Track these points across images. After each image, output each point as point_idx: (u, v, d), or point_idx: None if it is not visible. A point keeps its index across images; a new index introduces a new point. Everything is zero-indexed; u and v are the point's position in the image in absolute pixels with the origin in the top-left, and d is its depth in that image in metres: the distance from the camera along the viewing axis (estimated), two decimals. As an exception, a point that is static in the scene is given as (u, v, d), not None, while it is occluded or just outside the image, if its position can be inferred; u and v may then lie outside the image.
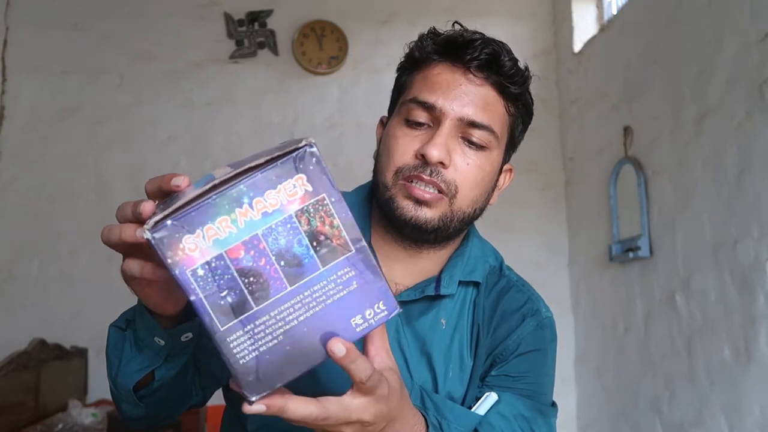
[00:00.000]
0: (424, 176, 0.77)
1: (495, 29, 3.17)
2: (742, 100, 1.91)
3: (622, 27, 2.70)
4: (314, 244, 0.50)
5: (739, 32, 1.93)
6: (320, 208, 0.49)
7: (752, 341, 1.85)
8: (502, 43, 0.82)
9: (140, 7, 3.11)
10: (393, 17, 3.20)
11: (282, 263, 0.50)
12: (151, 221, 0.47)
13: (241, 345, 0.50)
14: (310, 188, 0.49)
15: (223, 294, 0.49)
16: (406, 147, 0.79)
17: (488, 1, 3.28)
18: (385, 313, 0.52)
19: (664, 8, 2.34)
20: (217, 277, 0.49)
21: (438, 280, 0.83)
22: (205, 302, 0.49)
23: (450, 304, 0.84)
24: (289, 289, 0.50)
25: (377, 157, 0.85)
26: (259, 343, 0.51)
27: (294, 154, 0.49)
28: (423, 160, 0.77)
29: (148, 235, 0.47)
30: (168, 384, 0.74)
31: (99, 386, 2.77)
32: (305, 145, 0.48)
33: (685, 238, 2.19)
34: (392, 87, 0.90)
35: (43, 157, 2.98)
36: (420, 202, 0.78)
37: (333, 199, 0.49)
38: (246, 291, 0.49)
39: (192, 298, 0.48)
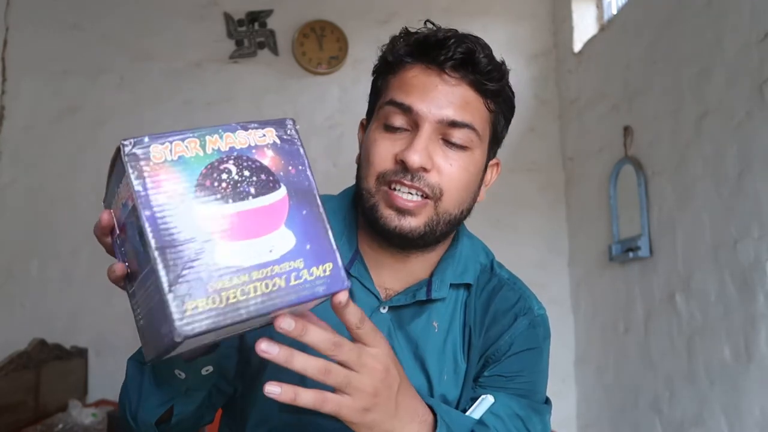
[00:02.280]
0: (405, 182, 0.75)
1: (495, 29, 3.20)
2: (742, 100, 1.91)
3: (622, 27, 2.70)
4: (142, 241, 0.49)
5: (739, 32, 1.92)
6: (135, 211, 0.49)
7: (752, 341, 1.85)
8: (476, 38, 0.79)
9: (140, 7, 3.11)
10: (393, 17, 3.20)
11: (133, 252, 0.52)
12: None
13: (135, 308, 0.56)
14: (128, 191, 0.50)
15: (126, 264, 0.56)
16: (385, 152, 0.77)
17: (488, 1, 3.27)
18: (167, 341, 0.49)
19: (664, 8, 2.34)
20: (122, 251, 0.56)
21: (429, 283, 0.82)
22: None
23: (442, 307, 0.83)
24: (140, 277, 0.53)
25: (359, 162, 0.83)
26: (139, 314, 0.55)
27: (121, 156, 0.50)
28: (403, 165, 0.75)
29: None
30: (188, 417, 0.74)
31: (99, 386, 2.77)
32: (120, 149, 0.49)
33: (685, 238, 2.19)
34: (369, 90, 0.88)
35: (43, 157, 2.98)
36: (403, 212, 0.76)
37: (134, 205, 0.49)
38: (130, 268, 0.55)
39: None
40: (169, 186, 0.49)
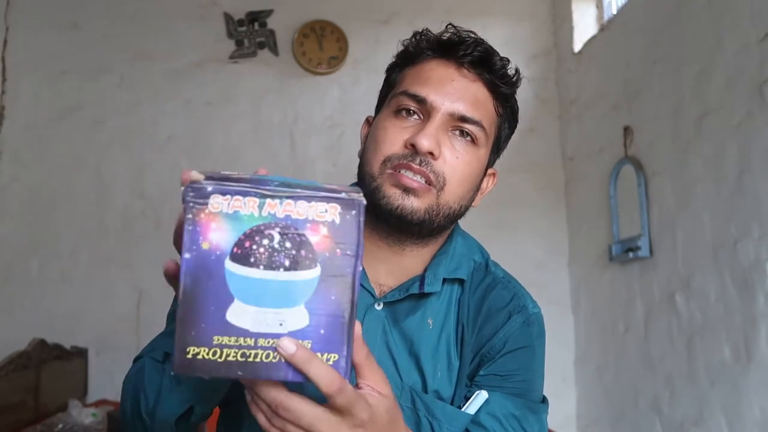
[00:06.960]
0: (413, 165, 0.76)
1: (495, 29, 3.20)
2: (742, 100, 1.91)
3: (622, 27, 2.70)
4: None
5: (739, 32, 1.93)
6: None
7: (752, 341, 1.85)
8: (492, 47, 0.83)
9: (140, 7, 3.11)
10: (393, 17, 3.20)
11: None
12: None
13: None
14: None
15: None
16: (395, 137, 0.79)
17: (488, 1, 3.27)
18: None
19: (664, 8, 2.34)
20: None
21: (422, 278, 0.83)
22: None
23: (436, 303, 0.84)
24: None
25: (363, 152, 0.85)
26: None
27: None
28: (413, 149, 0.77)
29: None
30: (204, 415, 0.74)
31: (99, 386, 2.77)
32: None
33: (685, 238, 2.19)
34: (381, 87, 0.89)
35: (43, 157, 2.98)
36: (408, 191, 0.77)
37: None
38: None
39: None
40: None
